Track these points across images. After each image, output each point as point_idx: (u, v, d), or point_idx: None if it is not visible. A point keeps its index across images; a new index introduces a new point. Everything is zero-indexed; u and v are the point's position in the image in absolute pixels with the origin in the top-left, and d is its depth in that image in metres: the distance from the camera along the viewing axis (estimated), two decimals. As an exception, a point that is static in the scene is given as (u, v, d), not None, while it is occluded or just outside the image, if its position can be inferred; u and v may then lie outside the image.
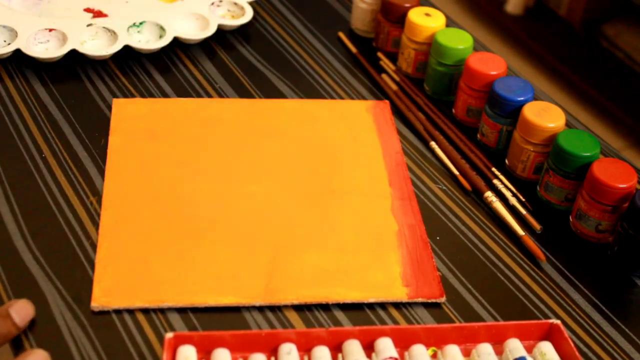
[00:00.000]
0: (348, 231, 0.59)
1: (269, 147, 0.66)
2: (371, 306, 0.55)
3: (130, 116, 0.67)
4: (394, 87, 0.75)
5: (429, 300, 0.55)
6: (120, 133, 0.65)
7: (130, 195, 0.60)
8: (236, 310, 0.54)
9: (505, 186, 0.65)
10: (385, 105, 0.72)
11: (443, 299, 0.55)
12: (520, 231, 0.61)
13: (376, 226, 0.60)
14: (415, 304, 0.55)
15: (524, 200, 0.64)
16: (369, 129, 0.69)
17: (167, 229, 0.58)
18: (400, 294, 0.55)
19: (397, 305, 0.55)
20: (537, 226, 0.62)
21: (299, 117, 0.69)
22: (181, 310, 0.53)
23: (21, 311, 0.50)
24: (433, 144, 0.69)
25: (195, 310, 0.53)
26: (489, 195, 0.64)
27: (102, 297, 0.53)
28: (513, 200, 0.64)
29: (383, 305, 0.55)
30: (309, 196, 0.62)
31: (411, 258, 0.58)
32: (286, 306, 0.54)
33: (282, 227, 0.59)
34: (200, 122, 0.67)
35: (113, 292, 0.53)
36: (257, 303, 0.54)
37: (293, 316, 0.54)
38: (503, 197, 0.64)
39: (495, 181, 0.65)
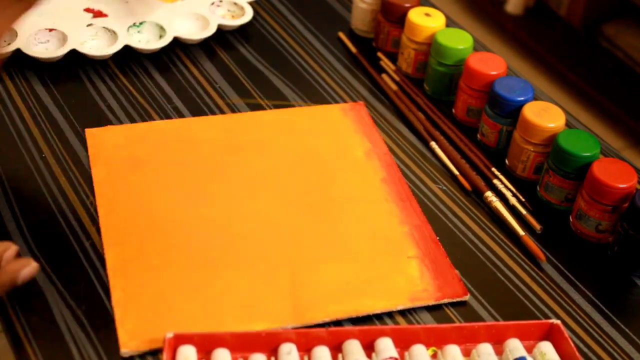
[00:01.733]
0: (358, 239, 0.59)
1: (257, 162, 0.64)
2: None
3: (108, 145, 0.64)
4: (394, 87, 0.75)
5: (455, 300, 0.55)
6: (102, 164, 0.62)
7: (130, 229, 0.58)
8: (236, 310, 0.54)
9: (505, 186, 0.65)
10: (360, 107, 0.71)
11: (467, 297, 0.55)
12: (520, 231, 0.61)
13: (384, 231, 0.59)
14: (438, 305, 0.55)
15: (523, 200, 0.64)
16: (352, 132, 0.68)
17: (176, 259, 0.56)
18: (425, 297, 0.55)
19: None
20: (537, 226, 0.62)
21: (280, 127, 0.68)
22: (181, 310, 0.53)
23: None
24: (433, 144, 0.69)
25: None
26: (489, 195, 0.64)
27: (130, 342, 0.50)
28: (513, 200, 0.64)
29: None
30: (310, 208, 0.61)
31: (427, 259, 0.57)
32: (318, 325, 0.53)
33: (291, 243, 0.58)
34: (182, 143, 0.65)
35: (139, 334, 0.51)
36: (290, 326, 0.52)
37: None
38: (503, 197, 0.64)
39: (495, 181, 0.65)
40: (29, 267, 0.52)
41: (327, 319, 0.53)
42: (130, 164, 0.63)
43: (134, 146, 0.65)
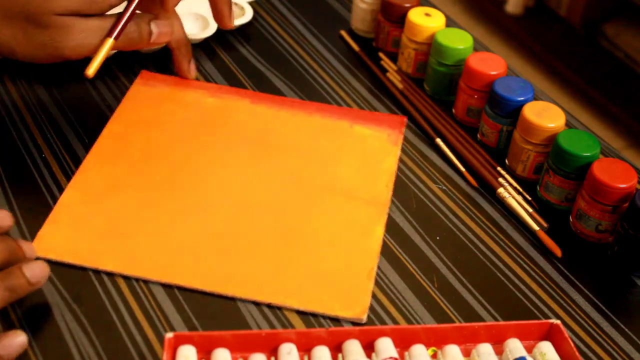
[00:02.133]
0: (329, 244, 0.59)
1: (274, 155, 0.65)
2: (370, 305, 0.55)
3: (146, 96, 0.69)
4: (400, 85, 0.75)
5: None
6: (125, 114, 0.67)
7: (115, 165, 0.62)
8: (236, 310, 0.54)
9: (511, 185, 0.65)
10: (400, 120, 0.70)
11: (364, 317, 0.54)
12: (534, 226, 0.61)
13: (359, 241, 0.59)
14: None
15: (530, 198, 0.64)
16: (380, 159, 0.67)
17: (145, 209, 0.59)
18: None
19: (395, 304, 0.55)
20: (544, 224, 0.62)
21: (315, 132, 0.68)
22: (182, 311, 0.53)
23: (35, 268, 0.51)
24: (439, 140, 0.69)
25: (196, 309, 0.53)
26: (502, 191, 0.64)
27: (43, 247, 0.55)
28: (519, 199, 0.64)
29: (382, 304, 0.55)
30: (299, 199, 0.61)
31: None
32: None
33: (263, 226, 0.59)
34: (208, 116, 0.68)
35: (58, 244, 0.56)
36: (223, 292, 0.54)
37: (293, 316, 0.54)
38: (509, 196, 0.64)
39: (501, 179, 0.65)
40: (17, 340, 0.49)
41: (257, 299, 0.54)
42: (151, 120, 0.67)
43: (167, 102, 0.69)
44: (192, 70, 0.71)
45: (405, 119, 0.71)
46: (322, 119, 0.69)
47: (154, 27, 0.62)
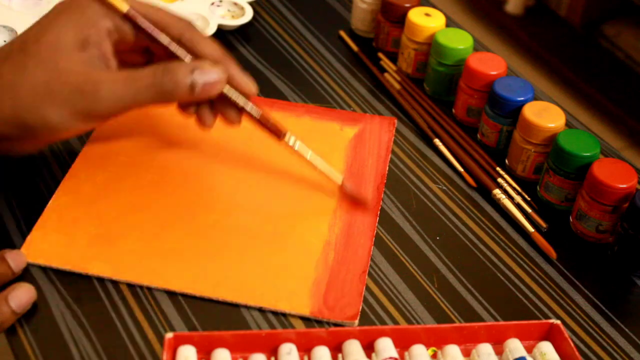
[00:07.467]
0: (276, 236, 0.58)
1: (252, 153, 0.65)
2: (370, 305, 0.55)
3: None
4: (398, 86, 0.75)
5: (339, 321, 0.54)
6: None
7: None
8: (236, 309, 0.54)
9: (510, 185, 0.65)
10: (390, 122, 0.70)
11: (354, 323, 0.54)
12: (530, 228, 0.61)
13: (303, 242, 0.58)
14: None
15: (529, 199, 0.64)
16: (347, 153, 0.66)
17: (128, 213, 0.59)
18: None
19: (395, 305, 0.55)
20: (543, 224, 0.62)
21: (305, 135, 0.66)
22: (181, 311, 0.53)
23: (16, 257, 0.53)
24: (437, 141, 0.69)
25: (195, 309, 0.53)
26: (497, 192, 0.64)
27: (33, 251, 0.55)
28: (518, 199, 0.64)
29: (382, 304, 0.55)
30: (255, 204, 0.61)
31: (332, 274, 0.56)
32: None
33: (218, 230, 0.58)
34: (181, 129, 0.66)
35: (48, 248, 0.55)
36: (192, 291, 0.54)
37: (293, 316, 0.54)
38: (508, 196, 0.64)
39: (500, 180, 0.65)
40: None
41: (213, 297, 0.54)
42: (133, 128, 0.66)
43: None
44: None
45: (395, 120, 0.71)
46: (312, 121, 0.69)
47: (198, 76, 0.53)
